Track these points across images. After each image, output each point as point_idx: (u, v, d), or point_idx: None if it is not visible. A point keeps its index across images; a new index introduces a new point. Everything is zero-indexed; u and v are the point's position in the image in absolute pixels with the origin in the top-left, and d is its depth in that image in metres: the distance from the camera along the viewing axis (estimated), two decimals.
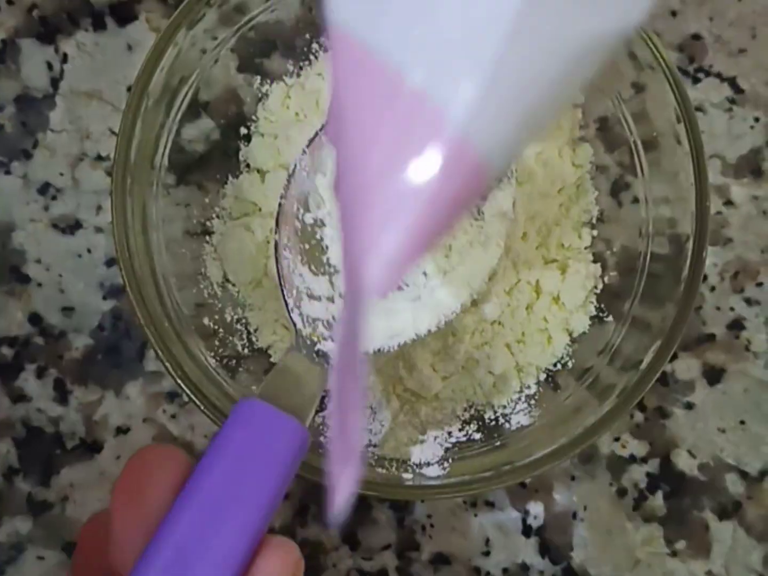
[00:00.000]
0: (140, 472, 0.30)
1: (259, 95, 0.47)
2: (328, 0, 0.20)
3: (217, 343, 0.44)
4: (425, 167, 0.18)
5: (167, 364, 0.39)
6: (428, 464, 0.43)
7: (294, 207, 0.40)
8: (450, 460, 0.43)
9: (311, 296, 0.40)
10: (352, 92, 0.20)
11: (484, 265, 0.40)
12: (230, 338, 0.45)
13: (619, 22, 0.21)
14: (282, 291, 0.40)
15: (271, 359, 0.45)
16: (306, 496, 0.47)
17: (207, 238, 0.46)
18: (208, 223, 0.46)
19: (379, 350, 0.40)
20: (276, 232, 0.40)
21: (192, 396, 0.39)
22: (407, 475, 0.42)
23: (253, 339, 0.45)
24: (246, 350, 0.45)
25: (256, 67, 0.48)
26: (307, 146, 0.40)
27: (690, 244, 0.42)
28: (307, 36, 0.47)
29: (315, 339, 0.39)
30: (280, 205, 0.40)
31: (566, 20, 0.20)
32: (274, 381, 0.35)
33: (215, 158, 0.47)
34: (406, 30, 0.19)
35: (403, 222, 0.18)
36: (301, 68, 0.48)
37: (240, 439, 0.31)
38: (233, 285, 0.46)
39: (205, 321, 0.44)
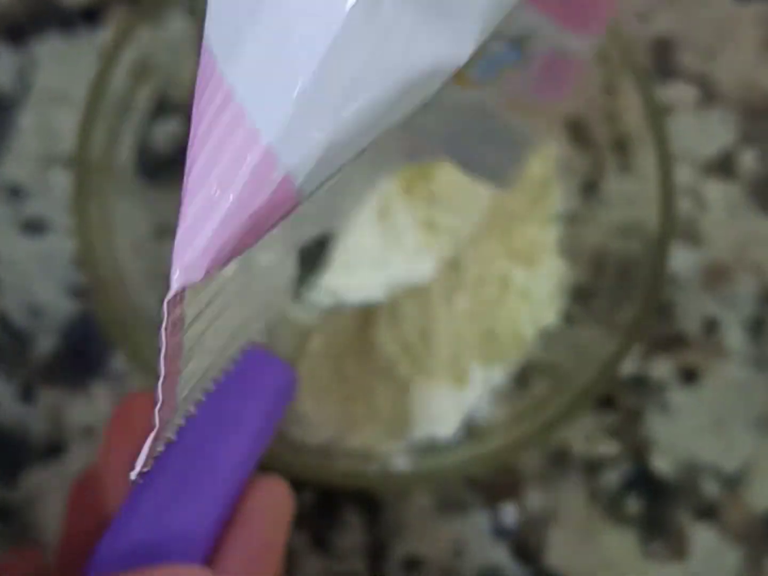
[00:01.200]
0: (129, 414, 0.30)
1: None
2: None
3: None
4: (233, 179, 0.20)
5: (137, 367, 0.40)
6: (395, 456, 0.43)
7: None
8: (417, 453, 0.43)
9: None
10: (200, 95, 0.22)
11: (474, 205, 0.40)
12: None
13: (448, 55, 0.22)
14: None
15: None
16: None
17: None
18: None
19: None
20: None
21: None
22: (372, 467, 0.42)
23: None
24: None
25: None
26: None
27: (656, 244, 0.43)
28: None
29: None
30: None
31: (395, 44, 0.21)
32: None
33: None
34: (245, 49, 0.21)
35: (209, 225, 0.20)
36: None
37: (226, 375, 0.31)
38: None
39: None
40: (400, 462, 0.43)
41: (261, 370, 0.32)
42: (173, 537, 0.28)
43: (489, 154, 0.31)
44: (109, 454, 0.30)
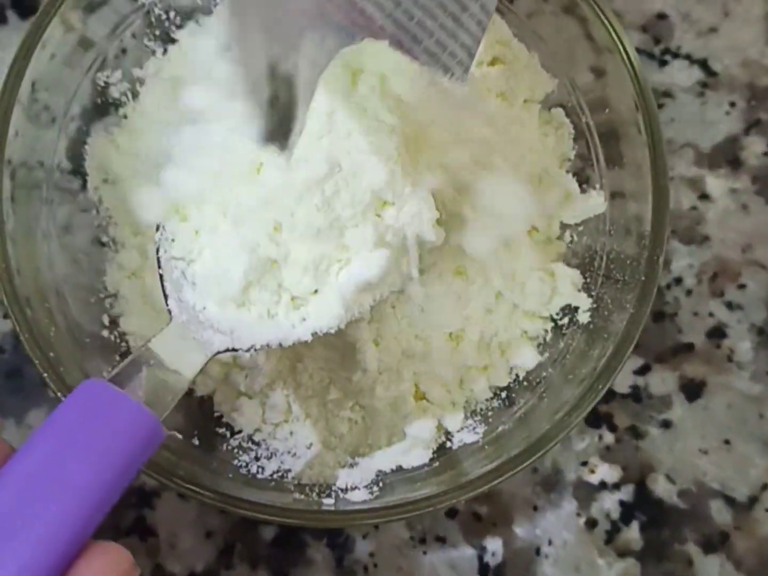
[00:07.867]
0: None
1: None
2: None
3: (118, 358, 0.39)
4: None
5: (59, 392, 0.35)
6: (354, 489, 0.38)
7: None
8: (380, 485, 0.38)
9: (192, 282, 0.35)
10: None
11: None
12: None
13: None
14: (160, 277, 0.35)
15: None
16: (231, 533, 0.42)
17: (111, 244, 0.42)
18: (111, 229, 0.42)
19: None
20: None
21: None
22: (328, 501, 0.37)
23: None
24: None
25: None
26: None
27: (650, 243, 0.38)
28: None
29: (192, 328, 0.34)
30: None
31: None
32: (130, 367, 0.32)
33: None
34: None
35: None
36: None
37: (72, 420, 0.28)
38: None
39: (106, 334, 0.40)
40: (358, 495, 0.38)
41: (114, 417, 0.28)
42: None
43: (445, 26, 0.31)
44: None
